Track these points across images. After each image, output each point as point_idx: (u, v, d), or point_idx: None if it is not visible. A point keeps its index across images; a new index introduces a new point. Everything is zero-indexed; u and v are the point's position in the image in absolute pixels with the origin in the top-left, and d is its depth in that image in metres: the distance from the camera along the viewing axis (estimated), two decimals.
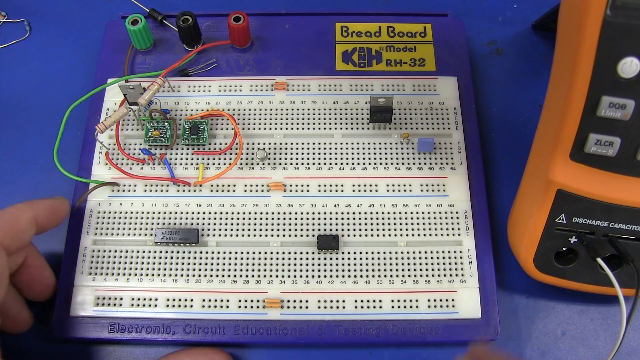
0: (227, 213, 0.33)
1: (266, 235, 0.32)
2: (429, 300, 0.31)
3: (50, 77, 0.39)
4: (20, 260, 0.30)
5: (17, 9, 0.41)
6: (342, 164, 0.34)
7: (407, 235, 0.32)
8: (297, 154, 0.34)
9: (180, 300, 0.31)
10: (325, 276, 0.31)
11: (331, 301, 0.31)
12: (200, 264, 0.31)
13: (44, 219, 0.30)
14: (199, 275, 0.31)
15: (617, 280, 0.27)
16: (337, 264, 0.31)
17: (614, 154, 0.27)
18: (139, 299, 0.31)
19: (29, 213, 0.29)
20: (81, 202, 0.33)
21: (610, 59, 0.25)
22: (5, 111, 0.38)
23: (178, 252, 0.32)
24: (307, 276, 0.31)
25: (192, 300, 0.31)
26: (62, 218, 0.31)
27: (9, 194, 0.35)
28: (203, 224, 0.32)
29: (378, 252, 0.32)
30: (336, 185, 0.33)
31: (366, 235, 0.32)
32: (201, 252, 0.32)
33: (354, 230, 0.32)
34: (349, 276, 0.31)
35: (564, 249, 0.30)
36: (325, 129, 0.35)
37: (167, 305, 0.31)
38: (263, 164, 0.34)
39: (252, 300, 0.31)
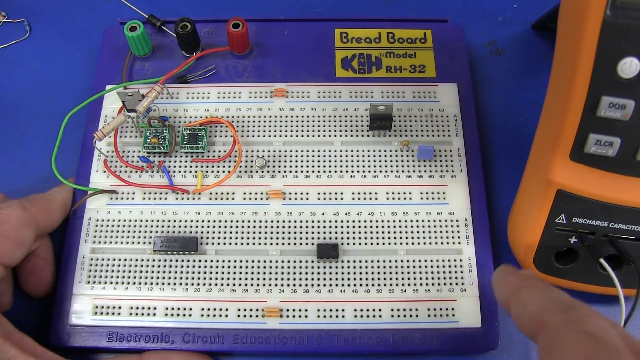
0: (226, 221, 0.32)
1: (265, 244, 0.32)
2: (428, 309, 0.30)
3: (50, 77, 0.39)
4: (35, 246, 0.30)
5: (17, 9, 0.41)
6: (341, 171, 0.34)
7: (406, 243, 0.32)
8: (296, 161, 0.34)
9: (179, 309, 0.31)
10: (324, 285, 0.31)
11: (330, 310, 0.31)
12: (199, 272, 0.31)
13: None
14: (198, 284, 0.31)
15: (619, 281, 0.27)
16: (336, 273, 0.31)
17: (613, 154, 0.27)
18: (137, 308, 0.31)
19: (63, 196, 0.32)
20: (77, 207, 0.33)
21: (610, 59, 0.25)
22: (5, 111, 0.38)
23: (177, 260, 0.32)
24: (306, 285, 0.31)
25: (190, 309, 0.31)
26: None
27: (9, 194, 0.34)
28: (202, 232, 0.32)
29: (378, 261, 0.31)
30: (336, 193, 0.33)
31: (366, 244, 0.32)
32: (200, 261, 0.32)
33: (354, 238, 0.32)
34: (349, 285, 0.31)
35: (564, 249, 0.30)
36: (324, 136, 0.35)
37: (166, 314, 0.31)
38: (262, 171, 0.34)
39: (251, 309, 0.31)
